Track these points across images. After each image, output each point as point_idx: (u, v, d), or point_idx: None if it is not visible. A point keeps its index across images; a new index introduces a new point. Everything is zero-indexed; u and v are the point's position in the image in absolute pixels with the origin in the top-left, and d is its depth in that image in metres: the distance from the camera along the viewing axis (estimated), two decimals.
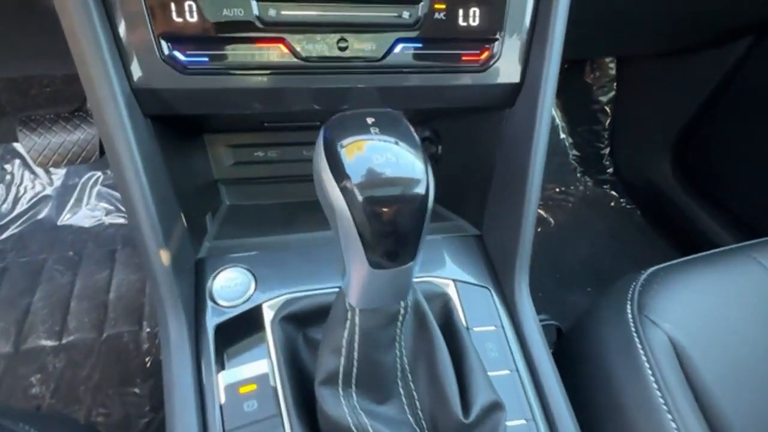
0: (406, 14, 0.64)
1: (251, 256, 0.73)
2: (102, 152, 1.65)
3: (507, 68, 0.70)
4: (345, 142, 0.44)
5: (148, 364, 1.49)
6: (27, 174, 1.86)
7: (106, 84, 0.57)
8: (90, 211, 1.88)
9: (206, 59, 0.61)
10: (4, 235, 1.81)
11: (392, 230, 0.43)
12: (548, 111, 0.69)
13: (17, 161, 1.85)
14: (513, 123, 0.75)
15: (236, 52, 0.62)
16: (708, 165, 1.96)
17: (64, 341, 1.53)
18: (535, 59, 0.69)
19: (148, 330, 1.57)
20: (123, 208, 1.89)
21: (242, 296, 0.68)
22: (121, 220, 1.88)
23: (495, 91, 0.72)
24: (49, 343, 1.52)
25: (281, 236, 0.81)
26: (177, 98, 0.63)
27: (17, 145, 1.84)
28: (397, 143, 0.44)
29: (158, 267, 0.63)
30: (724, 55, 1.74)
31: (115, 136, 0.58)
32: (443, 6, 0.65)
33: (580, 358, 0.83)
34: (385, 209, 0.42)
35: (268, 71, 0.63)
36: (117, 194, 1.90)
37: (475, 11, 0.66)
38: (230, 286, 0.69)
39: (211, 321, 0.66)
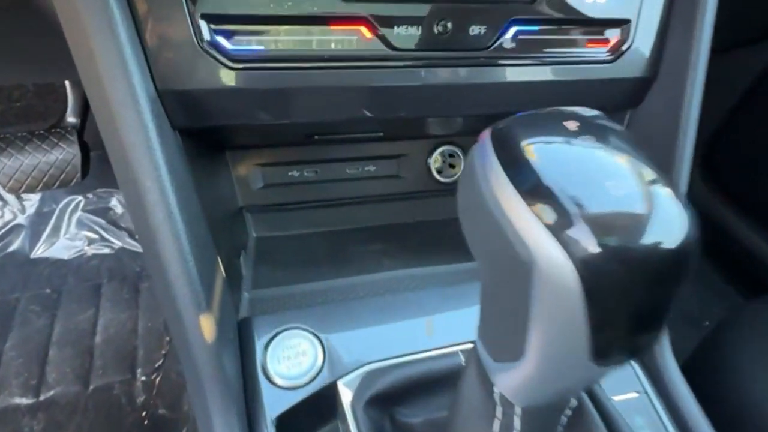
0: None
1: (310, 313, 0.55)
2: (84, 174, 1.44)
3: (639, 58, 0.54)
4: (550, 156, 0.27)
5: (146, 421, 1.27)
6: None
7: (123, 85, 0.39)
8: (69, 241, 1.65)
9: (261, 47, 0.44)
10: None
11: (654, 304, 0.26)
12: (696, 112, 0.54)
13: None
14: (639, 128, 0.59)
15: (302, 38, 0.44)
16: (737, 170, 1.87)
17: (42, 398, 1.30)
18: (675, 47, 0.54)
19: (143, 379, 1.35)
20: (108, 237, 1.67)
21: (308, 372, 0.50)
22: (106, 250, 1.66)
23: (622, 88, 0.56)
24: (24, 401, 1.29)
25: (337, 280, 0.64)
26: (219, 103, 0.45)
27: None
28: (633, 162, 0.27)
29: (197, 340, 0.45)
30: (754, 59, 1.66)
31: (136, 157, 0.40)
32: None
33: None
34: (649, 269, 0.25)
35: (344, 64, 0.46)
36: (101, 220, 1.68)
37: None
38: (290, 358, 0.51)
39: (271, 410, 0.47)
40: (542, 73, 0.53)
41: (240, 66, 0.43)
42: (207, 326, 0.44)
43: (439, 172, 0.88)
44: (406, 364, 0.52)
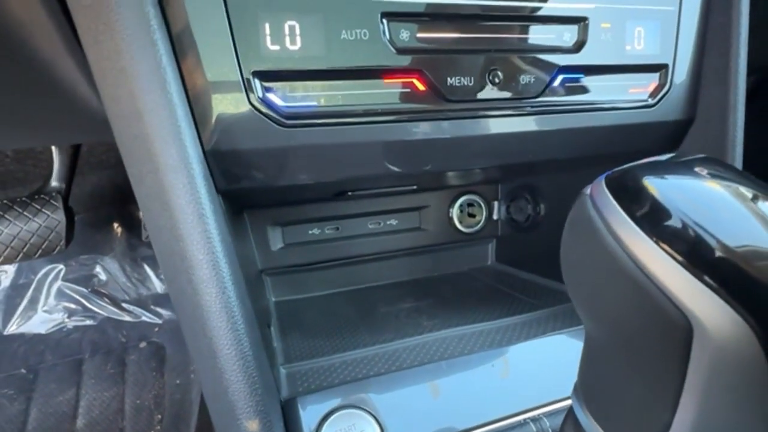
0: (567, 36, 0.48)
1: (359, 389, 0.49)
2: (69, 241, 1.35)
3: (678, 101, 0.55)
4: (688, 197, 0.24)
5: None
6: None
7: (175, 148, 0.35)
8: (48, 314, 1.53)
9: (314, 103, 0.41)
10: None
11: None
12: (740, 150, 0.54)
13: None
14: None
15: (356, 92, 0.42)
16: None
17: None
18: (711, 89, 0.55)
19: None
20: (90, 306, 1.56)
21: None
22: (89, 321, 1.54)
23: (663, 130, 0.56)
24: None
25: (377, 347, 0.58)
26: (268, 163, 0.42)
27: None
28: None
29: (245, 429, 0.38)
30: None
31: (187, 228, 0.36)
32: (608, 25, 0.50)
33: None
34: None
35: (397, 117, 0.44)
36: (82, 289, 1.57)
37: (641, 31, 0.51)
38: None
39: None
40: (587, 119, 0.52)
41: (292, 123, 0.41)
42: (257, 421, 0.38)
43: (459, 221, 0.85)
44: None
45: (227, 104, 0.38)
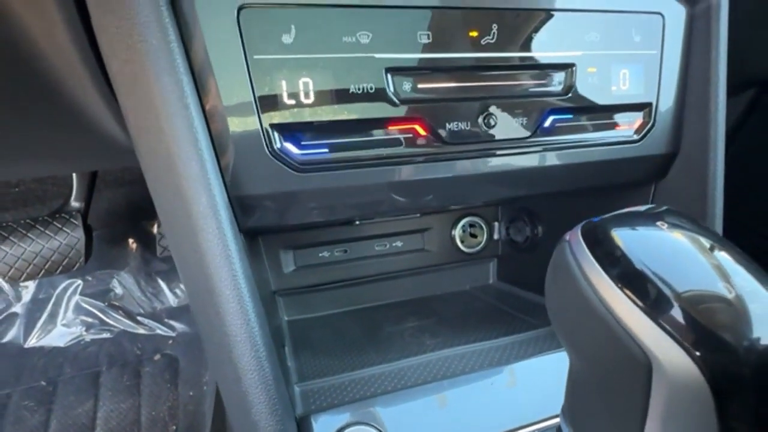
0: (556, 81, 0.53)
1: (369, 406, 0.54)
2: (87, 257, 1.41)
3: (662, 136, 0.59)
4: (654, 254, 0.29)
5: None
6: None
7: (205, 196, 0.40)
8: (66, 328, 1.58)
9: (326, 150, 0.46)
10: None
11: None
12: (720, 182, 0.58)
13: None
14: (665, 197, 0.63)
15: (364, 139, 0.47)
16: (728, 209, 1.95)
17: None
18: (693, 124, 0.59)
19: None
20: (107, 320, 1.61)
21: None
22: (106, 334, 1.59)
23: (649, 163, 0.60)
24: None
25: (384, 365, 0.62)
26: (285, 205, 0.47)
27: None
28: (736, 261, 0.29)
29: None
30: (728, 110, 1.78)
31: (215, 266, 0.40)
32: (594, 69, 0.54)
33: None
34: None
35: (403, 160, 0.48)
36: (99, 304, 1.63)
37: (626, 73, 0.55)
38: None
39: None
40: (576, 156, 0.56)
41: (306, 168, 0.45)
42: None
43: (462, 241, 0.89)
44: None
45: (249, 154, 0.43)
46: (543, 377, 0.59)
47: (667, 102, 0.58)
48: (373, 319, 0.78)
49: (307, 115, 0.44)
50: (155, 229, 1.75)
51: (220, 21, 0.41)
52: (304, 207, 0.47)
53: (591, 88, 0.54)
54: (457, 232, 0.88)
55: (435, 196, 0.52)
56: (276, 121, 0.43)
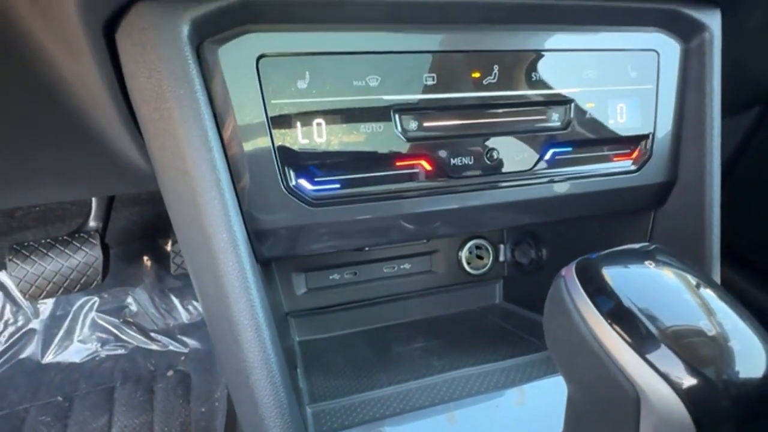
0: (555, 116, 0.55)
1: (378, 426, 0.56)
2: (105, 275, 1.45)
3: (660, 166, 0.61)
4: (645, 295, 0.31)
5: None
6: (9, 306, 1.61)
7: (226, 232, 0.43)
8: (82, 344, 1.62)
9: (337, 186, 0.49)
10: None
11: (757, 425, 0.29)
12: (717, 210, 0.60)
13: None
14: (664, 225, 0.65)
15: (372, 175, 0.50)
16: (730, 227, 1.94)
17: None
18: (690, 153, 0.61)
19: None
20: (122, 336, 1.65)
21: None
22: (120, 350, 1.63)
23: (647, 192, 0.62)
24: None
25: (392, 387, 0.65)
26: (300, 237, 0.50)
27: (0, 274, 1.61)
28: (719, 298, 0.31)
29: None
30: (734, 125, 1.78)
31: (234, 297, 0.43)
32: (592, 105, 0.57)
33: None
34: (745, 398, 0.28)
35: (410, 194, 0.51)
36: (115, 320, 1.67)
37: (623, 107, 0.58)
38: None
39: None
40: (576, 187, 0.58)
41: (319, 203, 0.48)
42: None
43: (468, 263, 0.92)
44: None
45: (267, 191, 0.46)
46: (547, 400, 0.61)
47: (663, 133, 0.60)
48: (383, 339, 0.81)
49: (320, 154, 0.47)
50: (169, 247, 1.79)
51: (241, 69, 0.44)
52: (318, 238, 0.50)
53: (589, 122, 0.57)
54: (463, 254, 0.90)
55: (441, 226, 0.55)
56: (291, 159, 0.47)
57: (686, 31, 0.59)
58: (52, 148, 0.71)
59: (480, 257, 0.92)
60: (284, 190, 0.47)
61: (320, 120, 0.47)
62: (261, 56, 0.45)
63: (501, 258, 0.92)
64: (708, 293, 0.32)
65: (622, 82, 0.58)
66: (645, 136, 0.60)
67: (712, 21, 0.58)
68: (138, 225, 1.76)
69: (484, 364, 0.69)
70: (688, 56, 0.60)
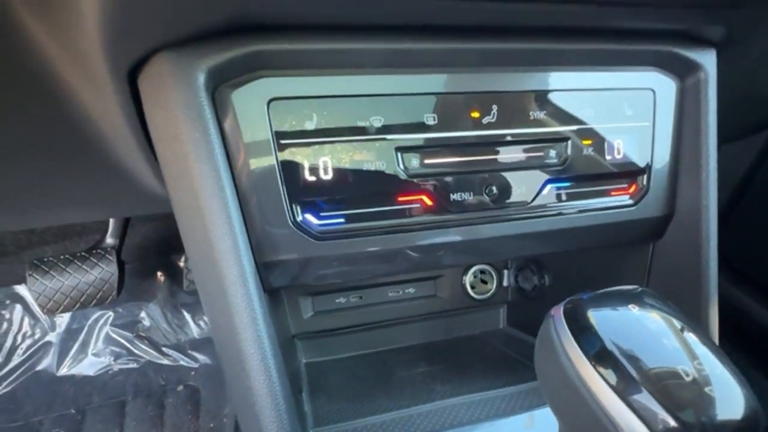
0: (552, 153, 0.57)
1: None
2: (120, 290, 1.49)
3: (657, 200, 0.63)
4: (626, 342, 0.33)
5: None
6: (27, 319, 1.66)
7: (234, 263, 0.45)
8: (96, 357, 1.66)
9: (342, 221, 0.51)
10: None
11: None
12: (714, 243, 0.61)
13: (18, 306, 1.66)
14: (663, 256, 0.66)
15: (375, 210, 0.52)
16: (746, 247, 1.92)
17: None
18: (687, 187, 0.62)
19: None
20: (134, 350, 1.68)
21: None
22: (132, 364, 1.66)
23: (645, 226, 0.63)
24: None
25: (395, 412, 0.66)
26: (306, 269, 0.52)
27: (19, 288, 1.67)
28: (699, 343, 0.33)
29: None
30: (746, 148, 1.78)
31: (242, 326, 0.46)
32: (589, 141, 0.59)
33: None
34: None
35: (411, 227, 0.54)
36: (128, 334, 1.70)
37: (620, 144, 0.60)
38: None
39: None
40: (575, 220, 0.60)
41: (324, 236, 0.51)
42: None
43: (472, 287, 0.93)
44: None
45: (275, 225, 0.49)
46: (548, 428, 0.62)
47: (660, 168, 0.62)
48: (387, 363, 0.82)
49: (325, 190, 0.50)
50: (182, 263, 1.83)
51: (252, 111, 0.47)
52: (323, 270, 0.53)
53: (587, 158, 0.59)
54: (468, 279, 0.92)
55: (443, 258, 0.57)
56: (298, 195, 0.49)
57: (682, 70, 0.61)
58: (73, 175, 0.75)
59: (484, 282, 0.93)
60: (291, 224, 0.49)
61: (326, 158, 0.50)
62: (272, 99, 0.48)
63: (505, 283, 0.93)
64: (691, 337, 0.34)
65: (619, 120, 0.59)
66: (642, 171, 0.61)
67: (708, 60, 0.60)
68: (152, 241, 1.81)
69: (487, 390, 0.70)
70: (684, 94, 0.62)
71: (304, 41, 0.46)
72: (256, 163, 0.48)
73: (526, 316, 0.92)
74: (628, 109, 0.60)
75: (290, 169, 0.49)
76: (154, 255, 1.81)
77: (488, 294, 0.93)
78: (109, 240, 1.50)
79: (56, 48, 0.47)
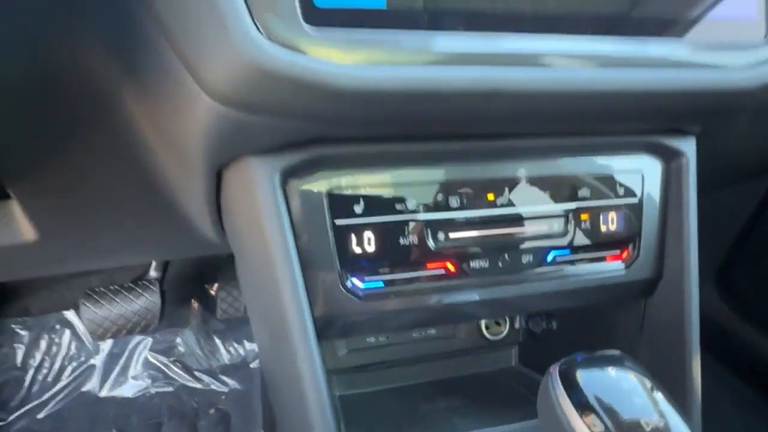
0: (555, 226, 0.69)
1: None
2: (161, 319, 1.63)
3: (646, 264, 0.73)
4: (604, 396, 0.44)
5: None
6: (74, 343, 1.80)
7: (299, 318, 0.58)
8: (135, 381, 1.78)
9: (381, 284, 0.63)
10: (43, 413, 1.68)
11: None
12: (696, 302, 0.72)
13: (67, 331, 1.80)
14: (651, 313, 0.77)
15: (409, 275, 0.64)
16: (756, 288, 1.97)
17: None
18: (672, 253, 0.73)
19: None
20: (170, 374, 1.81)
21: None
22: (168, 388, 1.78)
23: (636, 287, 0.74)
24: None
25: None
26: (353, 323, 0.64)
27: (68, 314, 1.81)
28: (665, 400, 0.44)
29: None
30: (750, 189, 1.85)
31: (305, 371, 0.58)
32: (587, 216, 0.70)
33: None
34: None
35: (437, 289, 0.65)
36: (164, 359, 1.83)
37: (613, 217, 0.71)
38: None
39: None
40: (575, 283, 0.71)
41: (368, 298, 0.63)
42: None
43: (487, 328, 1.04)
44: None
45: (330, 289, 0.61)
46: None
47: (648, 237, 0.73)
48: (411, 397, 0.93)
49: (368, 260, 0.62)
50: (214, 292, 1.97)
51: (314, 199, 0.60)
52: (366, 324, 0.65)
53: (584, 230, 0.70)
54: (483, 322, 1.03)
55: (464, 314, 0.69)
56: (347, 264, 0.62)
57: (666, 156, 0.73)
58: (144, 227, 0.89)
59: (498, 324, 1.04)
60: (342, 288, 0.62)
61: (370, 234, 0.62)
62: (329, 190, 0.60)
63: (516, 326, 1.04)
64: (658, 395, 0.44)
65: (612, 198, 0.71)
66: (632, 240, 0.72)
67: (688, 147, 0.72)
68: (189, 271, 1.95)
69: (501, 425, 0.80)
70: (668, 174, 0.73)
71: (356, 147, 0.59)
72: (316, 239, 0.60)
73: (536, 356, 1.02)
74: (620, 189, 0.71)
75: (342, 243, 0.61)
76: (190, 284, 1.95)
77: (501, 335, 1.03)
78: (153, 273, 1.65)
79: (155, 132, 0.60)
